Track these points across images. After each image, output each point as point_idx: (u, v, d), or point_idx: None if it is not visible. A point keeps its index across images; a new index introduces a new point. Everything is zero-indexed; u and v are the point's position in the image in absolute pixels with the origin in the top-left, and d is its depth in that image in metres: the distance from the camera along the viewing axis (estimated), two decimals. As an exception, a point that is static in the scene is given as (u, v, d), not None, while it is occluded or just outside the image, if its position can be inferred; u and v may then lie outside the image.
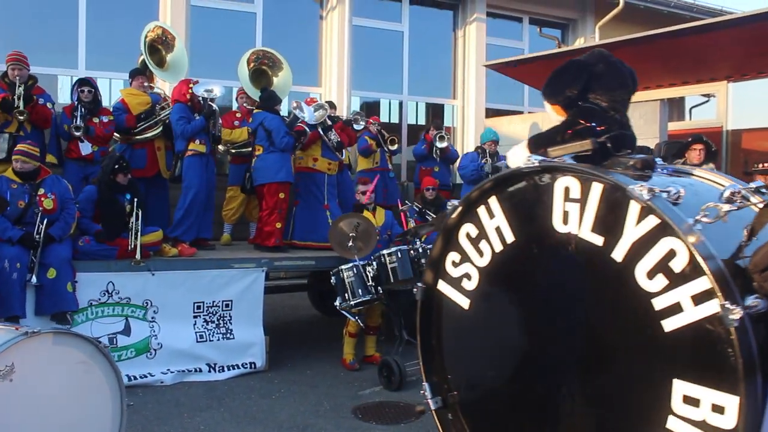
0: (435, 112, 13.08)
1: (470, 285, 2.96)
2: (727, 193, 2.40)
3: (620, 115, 2.97)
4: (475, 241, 2.94)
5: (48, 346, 3.43)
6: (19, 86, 6.47)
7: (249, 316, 6.42)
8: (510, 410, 2.79)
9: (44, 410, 3.37)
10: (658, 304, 2.15)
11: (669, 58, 9.12)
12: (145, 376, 5.82)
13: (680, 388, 2.11)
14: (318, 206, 7.76)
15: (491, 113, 12.98)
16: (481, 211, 2.91)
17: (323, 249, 7.14)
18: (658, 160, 2.94)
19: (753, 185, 2.49)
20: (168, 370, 5.96)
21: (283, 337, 7.28)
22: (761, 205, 2.35)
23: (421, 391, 3.17)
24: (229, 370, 6.22)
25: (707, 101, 12.21)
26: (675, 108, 12.15)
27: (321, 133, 7.87)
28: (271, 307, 8.01)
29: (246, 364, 6.30)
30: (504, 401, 2.83)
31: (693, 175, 2.79)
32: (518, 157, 3.08)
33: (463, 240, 3.00)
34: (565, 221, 2.52)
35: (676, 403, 2.12)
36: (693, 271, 2.05)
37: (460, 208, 3.01)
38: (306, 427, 4.97)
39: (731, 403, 1.96)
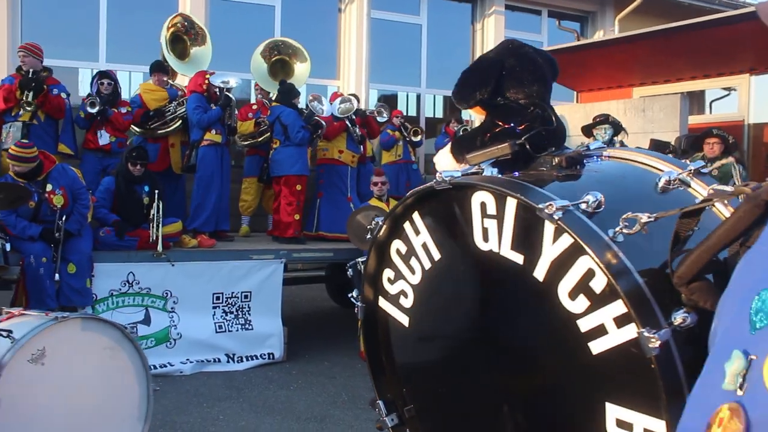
0: (453, 106, 13.03)
1: (407, 302, 2.78)
2: (662, 183, 2.25)
3: (541, 109, 2.73)
4: (405, 258, 2.75)
5: (77, 332, 3.51)
6: (30, 75, 6.48)
7: (268, 307, 6.47)
8: (463, 425, 2.67)
9: (73, 394, 3.44)
10: (583, 325, 1.98)
11: (689, 51, 9.03)
12: (165, 366, 5.89)
13: (613, 411, 1.98)
14: (342, 198, 7.84)
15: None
16: (407, 227, 2.71)
17: (348, 240, 7.18)
18: (597, 144, 2.75)
19: (692, 166, 2.29)
20: (187, 359, 6.03)
21: (302, 329, 7.32)
22: (703, 192, 2.15)
23: (376, 410, 3.05)
24: (247, 360, 6.27)
25: (728, 95, 12.07)
26: (695, 101, 12.03)
27: (348, 125, 7.89)
28: (290, 299, 8.06)
29: (264, 354, 6.35)
30: (457, 416, 2.70)
31: (630, 161, 2.53)
32: (443, 163, 2.91)
33: (394, 257, 2.81)
34: (485, 238, 2.31)
35: (611, 427, 1.99)
36: (611, 293, 1.88)
37: (386, 224, 2.81)
38: (324, 418, 5.01)
39: (661, 427, 1.83)
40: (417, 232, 2.66)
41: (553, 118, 2.74)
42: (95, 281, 5.83)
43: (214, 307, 6.29)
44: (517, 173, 2.45)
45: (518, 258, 2.20)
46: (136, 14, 10.41)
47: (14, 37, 9.61)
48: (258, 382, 5.84)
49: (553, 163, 2.47)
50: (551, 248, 2.06)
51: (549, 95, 2.85)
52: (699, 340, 1.54)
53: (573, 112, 8.94)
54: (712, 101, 12.86)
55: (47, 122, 6.67)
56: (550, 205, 1.96)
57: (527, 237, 2.16)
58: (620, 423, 1.96)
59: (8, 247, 5.34)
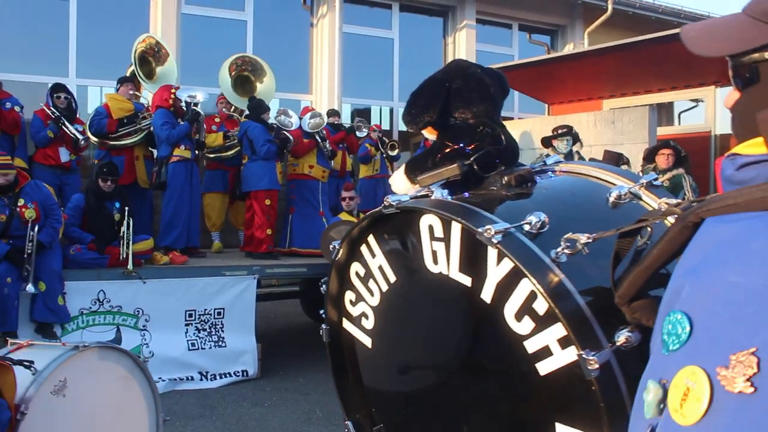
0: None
1: (368, 324, 2.79)
2: (613, 197, 2.25)
3: (491, 128, 2.73)
4: (364, 280, 2.76)
5: (95, 361, 3.46)
6: None
7: (241, 323, 6.42)
8: None
9: (90, 424, 3.39)
10: (530, 347, 1.99)
11: (657, 63, 9.18)
12: (137, 385, 5.79)
13: (562, 431, 1.99)
14: (314, 213, 7.81)
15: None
16: (364, 249, 2.72)
17: (322, 256, 7.16)
18: (555, 159, 2.76)
19: (645, 179, 2.30)
20: (160, 378, 5.92)
21: (276, 345, 7.26)
22: (655, 205, 2.16)
23: (345, 431, 3.05)
24: (221, 378, 6.21)
25: (696, 106, 12.30)
26: (664, 113, 12.23)
27: (318, 141, 7.90)
28: (263, 315, 8.00)
29: (238, 372, 6.29)
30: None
31: (584, 175, 2.55)
32: (398, 185, 2.90)
33: (354, 279, 2.82)
34: (435, 261, 2.33)
35: None
36: (552, 316, 1.89)
37: (343, 248, 2.81)
38: (299, 435, 4.97)
39: None
40: (373, 254, 2.68)
41: (503, 137, 2.74)
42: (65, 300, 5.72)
43: (187, 325, 6.22)
44: (467, 194, 2.48)
45: (466, 280, 2.22)
46: (106, 29, 10.34)
47: (-19, 52, 9.48)
48: (232, 399, 5.78)
49: (503, 182, 2.46)
50: (495, 271, 2.07)
51: (498, 114, 2.86)
52: (645, 358, 1.59)
53: (544, 124, 9.04)
54: (681, 113, 13.09)
55: (2, 137, 6.54)
56: (489, 229, 1.97)
57: (473, 260, 2.17)
58: None
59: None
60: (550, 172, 2.61)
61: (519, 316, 2.02)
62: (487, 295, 2.12)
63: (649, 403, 1.01)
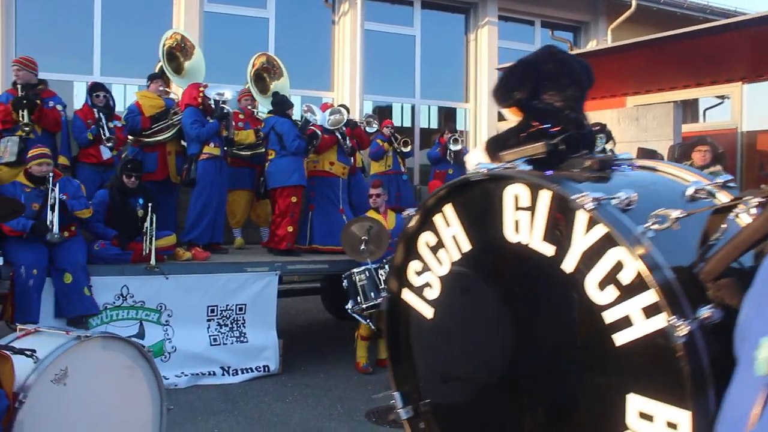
0: (447, 116, 13.07)
1: (432, 294, 2.86)
2: (690, 191, 2.29)
3: (575, 113, 2.81)
4: (434, 250, 2.83)
5: (98, 351, 3.48)
6: (21, 91, 6.48)
7: (262, 319, 6.45)
8: (479, 419, 2.71)
9: (93, 414, 3.41)
10: (609, 317, 2.05)
11: (682, 60, 9.08)
12: (160, 380, 5.85)
13: (635, 402, 2.02)
14: (334, 210, 7.80)
15: (504, 116, 12.95)
16: (438, 219, 2.79)
17: (342, 252, 7.16)
18: (627, 156, 2.81)
19: (720, 180, 2.34)
20: (182, 373, 6.00)
21: (297, 341, 7.29)
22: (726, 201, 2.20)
23: (391, 401, 3.08)
24: (242, 373, 6.24)
25: (721, 103, 12.14)
26: (689, 110, 12.09)
27: (339, 137, 7.90)
28: (285, 311, 8.03)
29: (260, 367, 6.32)
30: (472, 410, 2.75)
31: (658, 171, 2.62)
32: (477, 160, 2.95)
33: (422, 249, 2.89)
34: (517, 230, 2.40)
35: (632, 419, 2.03)
36: (641, 284, 1.94)
37: (417, 216, 2.89)
38: (320, 431, 4.98)
39: (684, 418, 1.87)
40: (447, 223, 2.75)
41: (585, 123, 2.85)
42: (89, 295, 5.79)
43: (209, 320, 6.26)
44: (549, 172, 2.52)
45: (548, 250, 2.28)
46: (130, 27, 10.42)
47: (8, 50, 9.61)
48: (253, 394, 5.81)
49: (585, 165, 2.52)
50: (582, 239, 2.14)
51: (583, 101, 2.93)
52: (724, 336, 1.61)
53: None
54: (706, 109, 12.92)
55: (44, 135, 6.63)
56: (585, 195, 2.04)
57: (559, 229, 2.24)
58: (642, 414, 2.00)
59: (1, 260, 5.32)
60: (625, 165, 2.66)
61: (602, 286, 2.07)
62: (569, 264, 2.18)
63: (763, 360, 1.03)
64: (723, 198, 2.27)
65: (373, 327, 6.27)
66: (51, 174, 5.78)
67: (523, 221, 2.36)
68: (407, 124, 12.60)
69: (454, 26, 13.33)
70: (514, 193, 2.40)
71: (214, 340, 6.24)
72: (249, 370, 6.27)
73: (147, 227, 6.12)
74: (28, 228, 5.56)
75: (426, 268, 2.88)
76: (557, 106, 2.81)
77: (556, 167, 2.60)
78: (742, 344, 1.24)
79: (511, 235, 2.42)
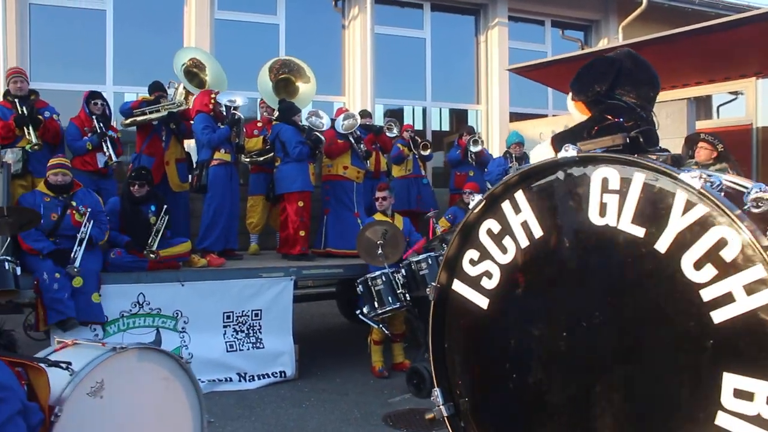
0: (459, 118, 13.07)
1: (490, 283, 2.83)
2: (754, 194, 2.28)
3: (647, 112, 2.87)
4: (497, 238, 2.80)
5: (133, 363, 3.42)
6: (20, 105, 6.50)
7: (278, 325, 6.45)
8: (532, 414, 2.67)
9: (130, 427, 3.35)
10: (707, 294, 2.07)
11: (695, 57, 9.01)
12: (177, 387, 5.86)
13: (731, 381, 2.02)
14: (348, 214, 7.83)
15: (515, 117, 12.92)
16: (506, 206, 2.78)
17: (357, 256, 7.17)
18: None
19: None
20: (199, 379, 5.96)
21: (313, 346, 7.30)
22: None
23: (432, 397, 3.00)
24: (259, 379, 6.25)
25: (735, 99, 12.04)
26: (702, 106, 11.99)
27: (352, 142, 7.92)
28: (300, 316, 8.04)
29: (276, 373, 6.33)
30: (525, 406, 2.70)
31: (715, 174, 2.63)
32: (543, 155, 2.98)
33: (483, 237, 2.86)
34: (602, 213, 2.43)
35: (727, 398, 2.03)
36: (745, 260, 1.99)
37: (482, 204, 2.87)
38: (337, 435, 4.98)
39: None
40: (517, 210, 2.74)
41: (656, 122, 2.91)
42: (106, 303, 5.81)
43: (225, 326, 6.28)
44: None
45: (639, 231, 2.30)
46: (142, 36, 10.51)
47: (23, 60, 9.71)
48: (270, 400, 5.82)
49: (660, 160, 2.51)
50: (680, 220, 2.18)
51: (653, 103, 2.99)
52: None
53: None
54: (720, 106, 12.82)
55: (45, 146, 6.65)
56: (694, 174, 2.11)
57: (652, 210, 2.26)
58: (739, 393, 2.01)
59: (18, 270, 5.37)
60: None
61: (699, 265, 2.11)
62: (663, 245, 2.22)
63: None
64: None
65: (386, 331, 6.26)
66: (82, 219, 5.83)
67: (611, 204, 2.39)
68: (419, 126, 12.60)
69: (464, 28, 13.32)
70: (603, 176, 2.43)
71: (231, 346, 6.25)
72: (265, 376, 6.28)
73: (158, 221, 6.18)
74: (46, 252, 5.64)
75: (485, 257, 2.87)
76: (630, 103, 2.88)
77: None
78: None
79: (596, 218, 2.45)
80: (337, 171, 7.93)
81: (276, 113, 7.92)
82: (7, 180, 6.08)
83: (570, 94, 3.15)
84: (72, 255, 5.65)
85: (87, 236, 5.74)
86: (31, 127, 6.45)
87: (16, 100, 6.60)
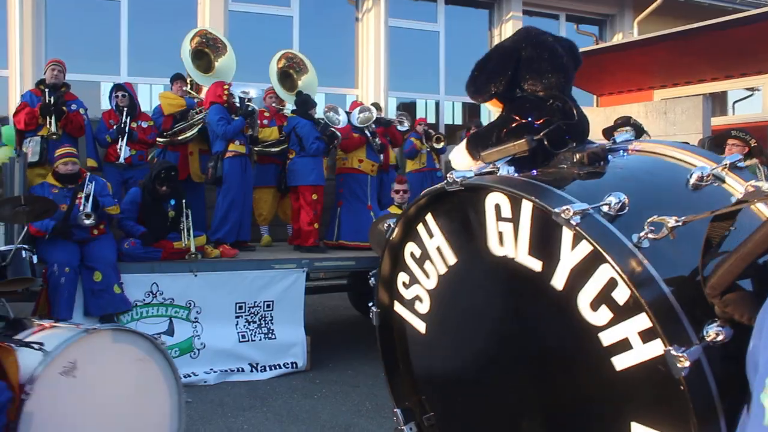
0: (472, 112, 13.03)
1: (423, 308, 2.63)
2: (694, 179, 2.05)
3: (561, 102, 2.53)
4: (420, 262, 2.60)
5: (108, 343, 3.48)
6: (50, 96, 6.56)
7: (290, 316, 6.47)
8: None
9: (105, 406, 3.42)
10: (606, 339, 1.83)
11: (711, 52, 8.95)
12: (189, 376, 5.89)
13: (639, 431, 1.83)
14: (362, 207, 7.84)
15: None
16: (421, 229, 2.56)
17: (369, 249, 7.17)
18: (625, 136, 2.54)
19: (727, 160, 2.10)
20: (211, 369, 6.05)
21: (324, 338, 7.31)
22: (740, 188, 1.96)
23: (394, 418, 2.89)
24: (271, 369, 6.28)
25: (751, 95, 11.94)
26: (717, 103, 11.91)
27: (368, 135, 7.92)
28: (312, 308, 8.06)
29: (288, 363, 6.35)
30: (478, 423, 2.53)
31: (658, 154, 2.35)
32: (458, 161, 2.74)
33: (408, 260, 2.66)
34: (501, 243, 2.16)
35: None
36: (635, 305, 1.72)
37: (399, 226, 2.65)
38: (348, 427, 4.99)
39: None
40: (431, 234, 2.52)
41: (575, 111, 2.56)
42: (120, 292, 5.88)
43: (237, 317, 6.31)
44: (534, 172, 2.31)
45: (536, 265, 2.06)
46: (156, 27, 10.54)
47: (38, 51, 9.78)
48: (282, 391, 5.84)
49: (574, 160, 2.32)
50: (570, 255, 1.91)
51: (570, 86, 2.68)
52: (736, 355, 1.43)
53: (593, 116, 8.83)
54: (735, 102, 12.72)
55: (66, 137, 6.70)
56: (567, 209, 1.82)
57: (545, 242, 2.00)
58: None
59: (35, 259, 5.41)
60: (622, 151, 2.44)
61: (595, 305, 1.86)
62: (558, 281, 1.96)
63: None
64: (732, 183, 2.06)
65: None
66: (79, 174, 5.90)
67: (507, 233, 2.14)
68: (432, 120, 12.59)
69: (478, 21, 13.28)
70: (495, 202, 2.17)
71: (243, 336, 6.28)
72: (277, 367, 6.31)
73: (183, 221, 6.24)
74: (50, 229, 5.65)
75: (414, 281, 2.65)
76: (540, 96, 2.56)
77: (542, 165, 2.39)
78: (754, 373, 1.09)
79: (495, 247, 2.19)
80: (352, 164, 7.94)
81: (283, 104, 7.93)
82: (24, 169, 6.13)
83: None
84: (80, 212, 5.69)
85: (92, 193, 5.78)
86: (53, 117, 6.50)
87: (47, 89, 6.66)
